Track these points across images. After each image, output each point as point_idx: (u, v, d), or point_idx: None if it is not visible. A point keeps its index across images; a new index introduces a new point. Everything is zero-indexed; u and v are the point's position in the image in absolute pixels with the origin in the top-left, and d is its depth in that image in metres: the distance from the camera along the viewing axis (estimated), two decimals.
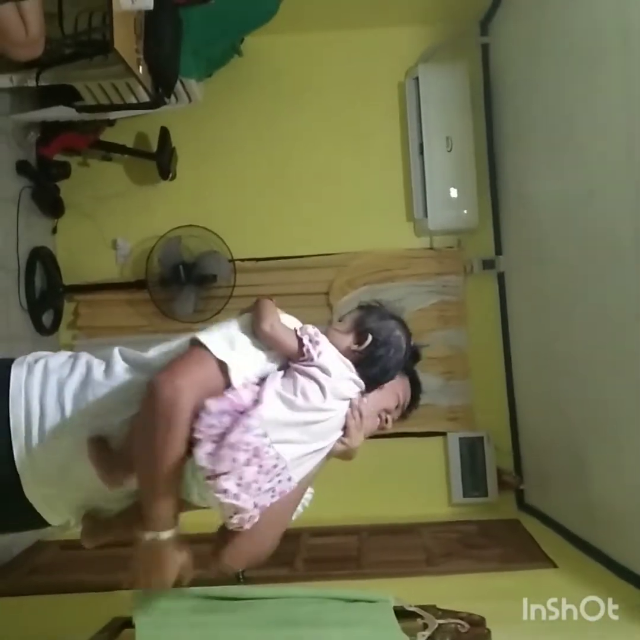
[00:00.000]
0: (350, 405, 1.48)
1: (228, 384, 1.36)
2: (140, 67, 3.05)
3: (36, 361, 1.50)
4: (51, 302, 3.90)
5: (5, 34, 2.73)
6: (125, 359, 1.48)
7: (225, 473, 1.28)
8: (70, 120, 3.69)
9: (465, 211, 3.95)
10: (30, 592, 2.78)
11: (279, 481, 1.35)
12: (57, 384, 1.44)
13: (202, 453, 1.29)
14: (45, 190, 3.87)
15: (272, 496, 1.35)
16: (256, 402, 1.34)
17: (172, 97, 3.50)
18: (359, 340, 1.52)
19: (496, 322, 3.99)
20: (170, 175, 3.98)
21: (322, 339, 1.47)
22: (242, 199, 4.07)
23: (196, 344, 1.38)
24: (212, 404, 1.32)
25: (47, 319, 3.85)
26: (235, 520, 1.33)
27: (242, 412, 1.32)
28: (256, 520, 1.34)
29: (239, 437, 1.29)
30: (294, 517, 1.51)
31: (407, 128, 4.05)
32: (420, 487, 3.87)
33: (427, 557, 3.02)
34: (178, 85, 3.44)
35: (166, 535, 1.34)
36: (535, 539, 3.20)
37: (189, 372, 1.33)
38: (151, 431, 1.32)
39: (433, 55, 4.07)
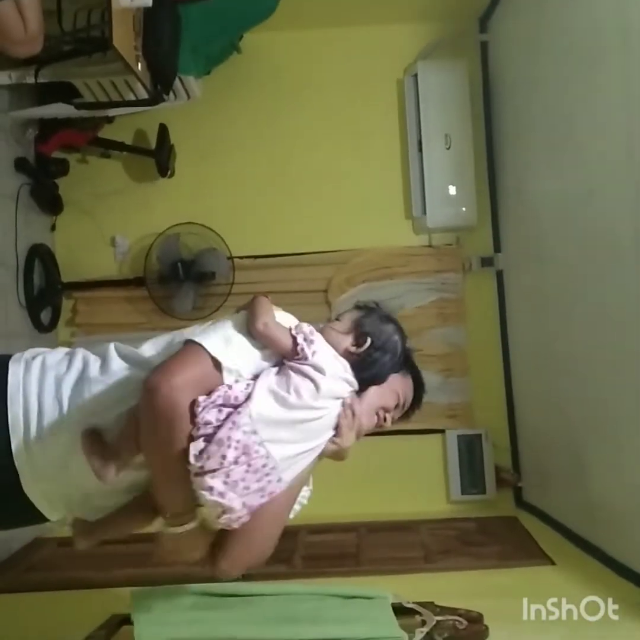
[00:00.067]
0: (343, 405, 1.47)
1: (223, 382, 1.36)
2: (139, 64, 3.05)
3: (33, 358, 1.50)
4: (49, 300, 3.89)
5: (4, 31, 2.73)
6: (121, 356, 1.47)
7: (213, 470, 1.28)
8: (69, 117, 3.68)
9: (464, 209, 3.95)
10: (28, 589, 2.77)
11: (269, 481, 1.34)
12: (54, 380, 1.44)
13: (193, 450, 1.29)
14: (43, 187, 3.86)
15: (262, 496, 1.34)
16: (248, 398, 1.33)
17: (171, 94, 3.50)
18: (358, 342, 1.52)
19: (495, 319, 3.99)
20: (169, 172, 3.98)
21: (317, 337, 1.46)
22: (240, 196, 4.07)
23: (191, 342, 1.38)
24: (207, 401, 1.32)
25: (45, 316, 3.85)
26: (223, 520, 1.33)
27: (237, 407, 1.32)
28: (245, 520, 1.34)
29: (227, 433, 1.28)
30: (291, 516, 1.50)
31: (406, 125, 4.04)
32: (419, 485, 3.88)
33: (425, 554, 3.02)
34: (177, 82, 3.44)
35: (182, 529, 1.36)
36: (533, 537, 3.20)
37: (185, 370, 1.32)
38: (154, 431, 1.32)
39: (432, 53, 4.06)
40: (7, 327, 3.48)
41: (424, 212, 3.95)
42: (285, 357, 1.43)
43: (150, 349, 1.48)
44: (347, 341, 1.52)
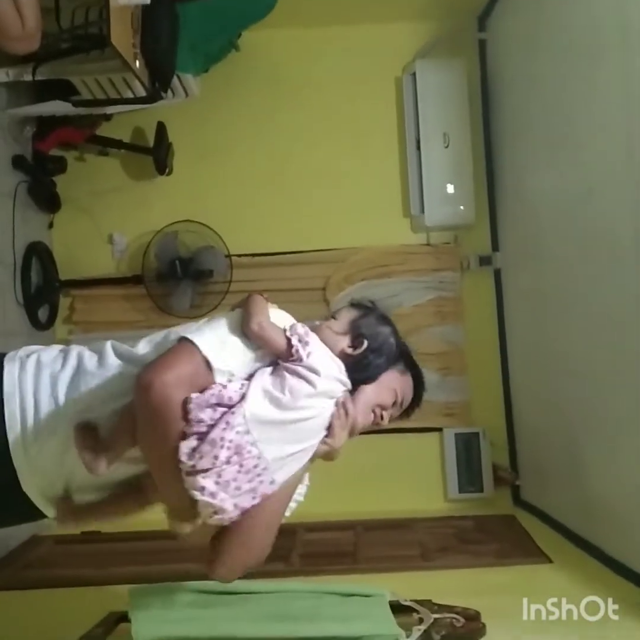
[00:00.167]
0: (336, 404, 1.46)
1: (215, 381, 1.35)
2: (137, 62, 3.05)
3: (28, 356, 1.50)
4: (47, 297, 3.89)
5: (2, 28, 2.73)
6: (117, 353, 1.48)
7: (205, 470, 1.28)
8: (67, 115, 3.67)
9: (462, 207, 3.95)
10: (25, 586, 2.78)
11: (260, 482, 1.33)
12: (50, 378, 1.45)
13: (185, 448, 1.29)
14: (41, 185, 3.86)
15: (254, 497, 1.34)
16: (242, 398, 1.33)
17: (169, 92, 3.49)
18: (354, 344, 1.52)
19: (493, 318, 3.99)
20: (167, 170, 3.97)
21: (312, 338, 1.45)
22: (238, 195, 4.07)
23: (185, 340, 1.38)
24: (199, 398, 1.32)
25: (43, 314, 3.84)
26: (214, 520, 1.33)
27: (231, 407, 1.32)
28: (236, 519, 1.35)
29: (220, 433, 1.28)
30: (287, 513, 1.50)
31: (404, 124, 4.04)
32: (416, 483, 3.88)
33: (423, 553, 3.03)
34: (175, 80, 3.44)
35: (187, 527, 1.37)
36: (531, 535, 3.20)
37: (177, 367, 1.32)
38: (148, 427, 1.32)
39: (430, 51, 4.06)
40: (4, 325, 3.48)
41: (422, 211, 3.95)
42: (279, 358, 1.42)
43: (145, 346, 1.48)
44: (344, 342, 1.52)
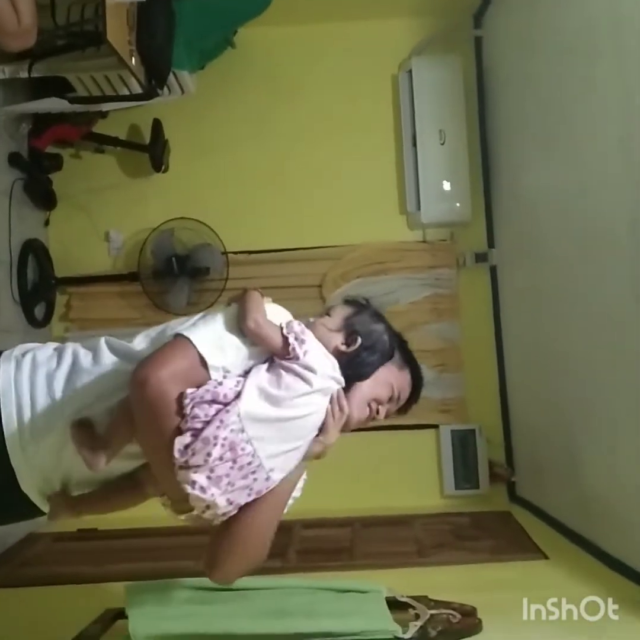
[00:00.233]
0: (331, 401, 1.46)
1: (211, 377, 1.35)
2: (133, 59, 3.05)
3: (23, 355, 1.50)
4: (43, 295, 3.89)
5: None
6: (111, 349, 1.48)
7: (197, 466, 1.28)
8: (63, 112, 3.67)
9: (458, 204, 3.95)
10: (22, 583, 2.77)
11: (255, 479, 1.34)
12: (46, 377, 1.45)
13: (179, 444, 1.29)
14: (37, 182, 3.85)
15: (248, 494, 1.35)
16: (237, 395, 1.33)
17: (165, 89, 3.49)
18: (348, 341, 1.52)
19: (489, 315, 4.00)
20: (163, 167, 3.97)
21: (308, 336, 1.45)
22: (235, 192, 4.07)
23: (180, 336, 1.38)
24: (195, 393, 1.32)
25: (39, 311, 3.84)
26: (207, 515, 1.34)
27: (226, 404, 1.32)
28: (232, 514, 1.35)
29: (214, 431, 1.28)
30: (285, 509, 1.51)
31: (400, 121, 4.04)
32: (413, 479, 3.89)
33: (419, 549, 3.03)
34: (171, 77, 3.43)
35: (185, 517, 1.37)
36: (527, 531, 3.21)
37: (172, 363, 1.32)
38: (144, 422, 1.33)
39: (426, 48, 4.06)
40: (0, 322, 3.47)
41: (418, 208, 3.95)
42: (276, 355, 1.42)
43: (141, 341, 1.48)
44: (337, 339, 1.52)
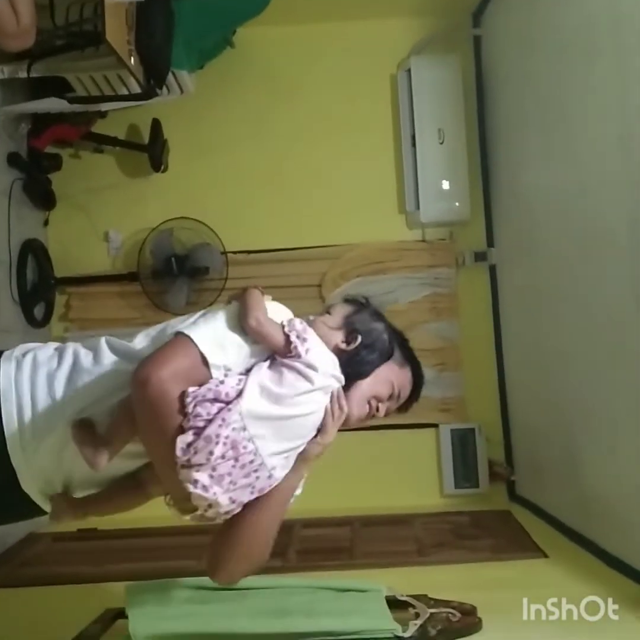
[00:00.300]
0: (330, 399, 1.45)
1: (212, 376, 1.35)
2: (132, 58, 3.05)
3: (24, 355, 1.50)
4: (43, 295, 3.89)
5: None
6: (112, 349, 1.48)
7: (199, 464, 1.28)
8: (62, 112, 3.67)
9: (457, 203, 3.95)
10: (22, 583, 2.78)
11: (257, 477, 1.34)
12: (46, 377, 1.45)
13: (181, 443, 1.29)
14: (36, 182, 3.85)
15: (251, 492, 1.35)
16: (239, 394, 1.33)
17: (164, 89, 3.49)
18: (348, 340, 1.52)
19: (488, 314, 4.00)
20: (162, 167, 3.97)
21: (310, 334, 1.45)
22: (234, 191, 4.07)
23: (181, 335, 1.38)
24: (197, 392, 1.32)
25: (38, 311, 3.84)
26: (210, 513, 1.34)
27: (228, 403, 1.32)
28: (234, 512, 1.36)
29: (216, 430, 1.29)
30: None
31: (399, 120, 4.04)
32: (412, 479, 3.89)
33: (419, 548, 3.03)
34: (170, 76, 3.43)
35: (189, 517, 1.37)
36: (527, 530, 3.21)
37: (173, 362, 1.32)
38: (146, 421, 1.33)
39: (425, 47, 4.06)
40: (0, 322, 3.47)
41: (417, 207, 3.95)
42: (277, 354, 1.42)
43: (142, 340, 1.48)
44: (338, 337, 1.52)
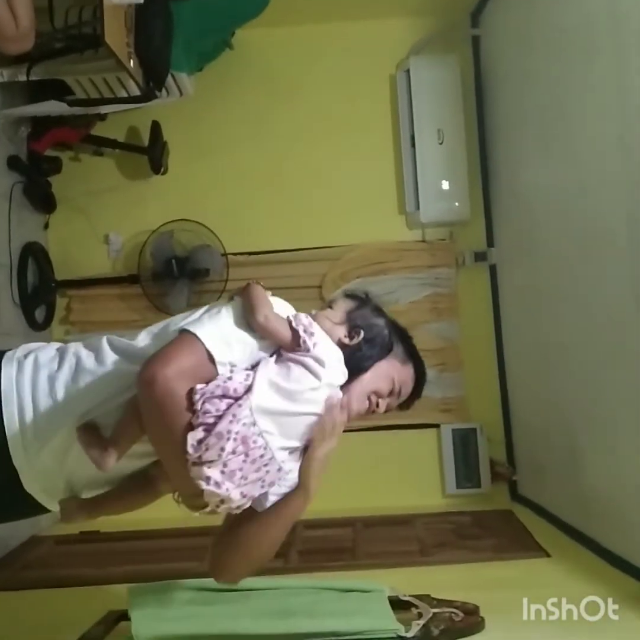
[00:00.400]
0: (326, 406, 1.43)
1: (218, 373, 1.35)
2: (131, 61, 3.05)
3: (26, 356, 1.50)
4: (43, 298, 3.89)
5: None
6: (114, 349, 1.48)
7: (210, 461, 1.28)
8: (61, 115, 3.67)
9: (457, 203, 3.95)
10: (25, 586, 2.78)
11: (267, 471, 1.34)
12: (48, 379, 1.45)
13: (191, 440, 1.29)
14: (36, 185, 3.86)
15: (262, 486, 1.36)
16: (248, 389, 1.33)
17: (163, 91, 3.50)
18: (351, 334, 1.52)
19: (488, 314, 4.00)
20: (162, 169, 3.97)
21: (316, 328, 1.46)
22: (234, 193, 4.07)
23: (186, 332, 1.37)
24: (205, 389, 1.32)
25: (39, 314, 3.84)
26: (222, 509, 1.35)
27: (237, 399, 1.32)
28: (246, 506, 1.37)
29: (227, 426, 1.29)
30: None
31: (399, 120, 4.04)
32: (414, 479, 3.89)
33: (421, 548, 3.04)
34: (169, 79, 3.44)
35: (198, 513, 1.38)
36: (529, 529, 3.21)
37: (179, 360, 1.32)
38: (154, 420, 1.33)
39: (424, 48, 4.07)
40: (1, 325, 3.48)
41: (417, 207, 3.95)
42: (284, 349, 1.43)
43: (145, 337, 1.48)
44: (340, 332, 1.52)
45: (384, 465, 3.84)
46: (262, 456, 1.33)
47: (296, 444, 1.41)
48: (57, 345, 1.56)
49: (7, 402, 1.42)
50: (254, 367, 1.39)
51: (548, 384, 3.30)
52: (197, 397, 1.31)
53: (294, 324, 1.44)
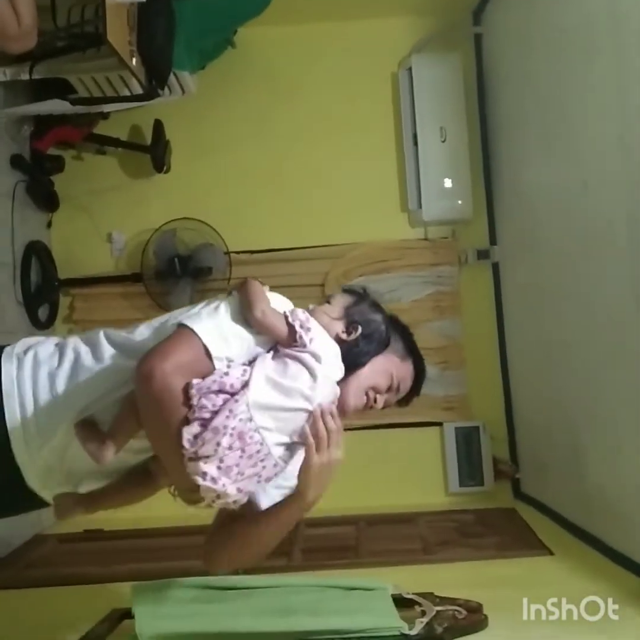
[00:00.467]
0: (314, 415, 1.39)
1: (215, 368, 1.36)
2: (134, 59, 3.05)
3: (25, 352, 1.50)
4: (47, 296, 3.89)
5: None
6: (112, 343, 1.48)
7: (207, 456, 1.28)
8: (64, 114, 3.68)
9: (459, 202, 3.95)
10: (29, 585, 2.78)
11: (264, 467, 1.34)
12: (48, 376, 1.45)
13: (187, 434, 1.29)
14: (39, 184, 3.86)
15: (258, 481, 1.36)
16: (245, 385, 1.33)
17: (166, 90, 3.49)
18: (348, 330, 1.52)
19: (491, 312, 4.00)
20: (165, 168, 3.97)
21: (313, 324, 1.46)
22: (237, 192, 4.07)
23: (183, 327, 1.38)
24: (201, 384, 1.32)
25: (42, 313, 3.85)
26: (218, 503, 1.35)
27: (233, 394, 1.32)
28: (243, 502, 1.37)
29: (223, 421, 1.29)
30: None
31: (401, 119, 4.04)
32: (417, 477, 3.89)
33: (424, 546, 3.04)
34: (171, 77, 3.43)
35: (194, 508, 1.38)
36: (532, 527, 3.21)
37: (176, 355, 1.32)
38: (151, 415, 1.33)
39: (426, 46, 4.06)
40: (4, 324, 3.48)
41: (420, 206, 3.95)
42: (281, 344, 1.43)
43: (144, 331, 1.49)
44: (338, 327, 1.52)
45: (387, 464, 3.84)
46: (258, 451, 1.32)
47: (293, 440, 1.41)
48: (55, 339, 1.56)
49: (9, 400, 1.43)
50: (251, 362, 1.39)
51: (551, 381, 3.30)
52: (193, 391, 1.31)
53: (290, 320, 1.43)
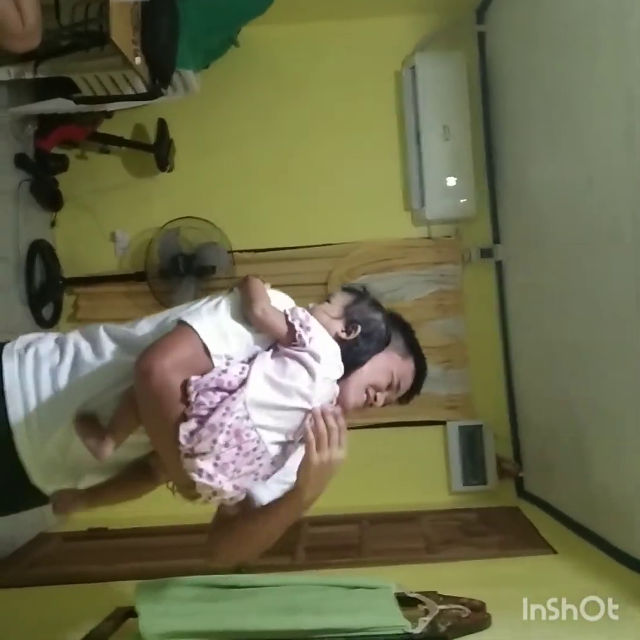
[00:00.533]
0: (314, 413, 1.38)
1: (214, 365, 1.36)
2: (137, 58, 3.05)
3: (25, 349, 1.50)
4: (51, 295, 3.90)
5: (2, 25, 2.72)
6: (112, 338, 1.48)
7: (203, 453, 1.29)
8: (68, 113, 3.68)
9: (462, 200, 3.95)
10: (33, 583, 2.79)
11: (260, 464, 1.34)
12: (50, 372, 1.46)
13: (184, 430, 1.29)
14: (43, 183, 3.87)
15: (255, 479, 1.36)
16: (243, 383, 1.33)
17: (170, 89, 3.49)
18: (348, 329, 1.52)
19: (494, 310, 4.00)
20: (168, 167, 3.98)
21: (313, 323, 1.45)
22: (240, 191, 4.07)
23: (183, 324, 1.38)
24: (199, 381, 1.32)
25: (47, 311, 3.85)
26: (214, 500, 1.35)
27: (231, 392, 1.32)
28: (241, 499, 1.37)
29: (220, 419, 1.29)
30: None
31: (404, 117, 4.05)
32: (421, 476, 3.89)
33: (428, 545, 3.04)
34: (175, 76, 3.43)
35: (193, 502, 1.38)
36: (535, 526, 3.21)
37: (175, 352, 1.33)
38: (149, 411, 1.34)
39: (430, 44, 4.06)
40: (9, 323, 3.49)
41: (423, 204, 3.95)
42: (280, 343, 1.43)
43: (145, 326, 1.49)
44: (338, 326, 1.52)
45: (390, 462, 3.84)
46: (255, 449, 1.32)
47: (291, 438, 1.41)
48: (55, 335, 1.56)
49: (12, 399, 1.43)
50: (250, 360, 1.39)
51: (554, 380, 3.30)
52: (191, 388, 1.31)
53: (290, 318, 1.43)
